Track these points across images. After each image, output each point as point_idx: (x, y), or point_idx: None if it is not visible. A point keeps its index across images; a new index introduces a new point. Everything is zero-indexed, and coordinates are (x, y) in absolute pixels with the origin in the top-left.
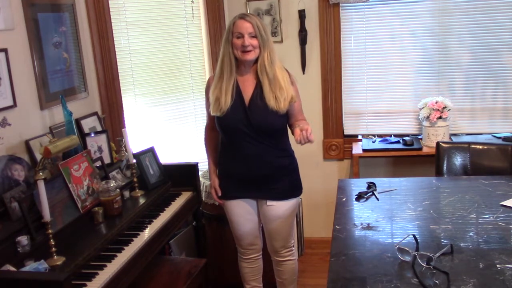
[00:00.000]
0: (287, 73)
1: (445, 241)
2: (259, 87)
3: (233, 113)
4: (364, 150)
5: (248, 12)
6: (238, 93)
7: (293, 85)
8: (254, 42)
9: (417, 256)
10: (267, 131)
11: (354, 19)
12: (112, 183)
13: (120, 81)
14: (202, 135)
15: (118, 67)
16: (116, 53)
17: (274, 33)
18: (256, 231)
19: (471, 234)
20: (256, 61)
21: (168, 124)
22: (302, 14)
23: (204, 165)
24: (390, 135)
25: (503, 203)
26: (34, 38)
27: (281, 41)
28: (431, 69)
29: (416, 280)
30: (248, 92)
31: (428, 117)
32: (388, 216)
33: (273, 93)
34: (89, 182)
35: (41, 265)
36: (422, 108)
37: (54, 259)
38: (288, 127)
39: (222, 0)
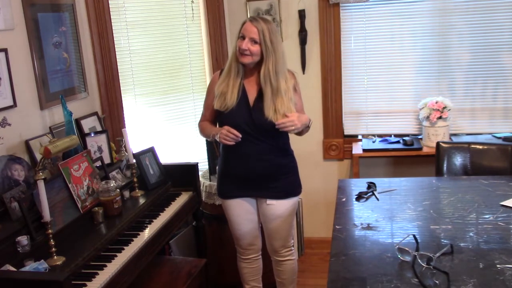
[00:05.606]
0: (293, 78)
1: (445, 241)
2: (262, 92)
3: (238, 111)
4: (364, 150)
5: (248, 12)
6: (243, 93)
7: (297, 92)
8: (254, 48)
9: (417, 256)
10: (269, 131)
11: (354, 19)
12: (112, 183)
13: (120, 81)
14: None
15: (118, 67)
16: (116, 53)
17: None
18: (255, 231)
19: (471, 234)
20: (259, 66)
21: (168, 124)
22: (302, 14)
23: (204, 165)
24: (390, 135)
25: (503, 203)
26: (34, 38)
27: (281, 41)
28: (431, 69)
29: (416, 280)
30: (252, 93)
31: (428, 117)
32: (388, 216)
33: (274, 105)
34: (89, 182)
35: (41, 265)
36: (422, 108)
37: (54, 259)
38: None
39: (222, 0)
